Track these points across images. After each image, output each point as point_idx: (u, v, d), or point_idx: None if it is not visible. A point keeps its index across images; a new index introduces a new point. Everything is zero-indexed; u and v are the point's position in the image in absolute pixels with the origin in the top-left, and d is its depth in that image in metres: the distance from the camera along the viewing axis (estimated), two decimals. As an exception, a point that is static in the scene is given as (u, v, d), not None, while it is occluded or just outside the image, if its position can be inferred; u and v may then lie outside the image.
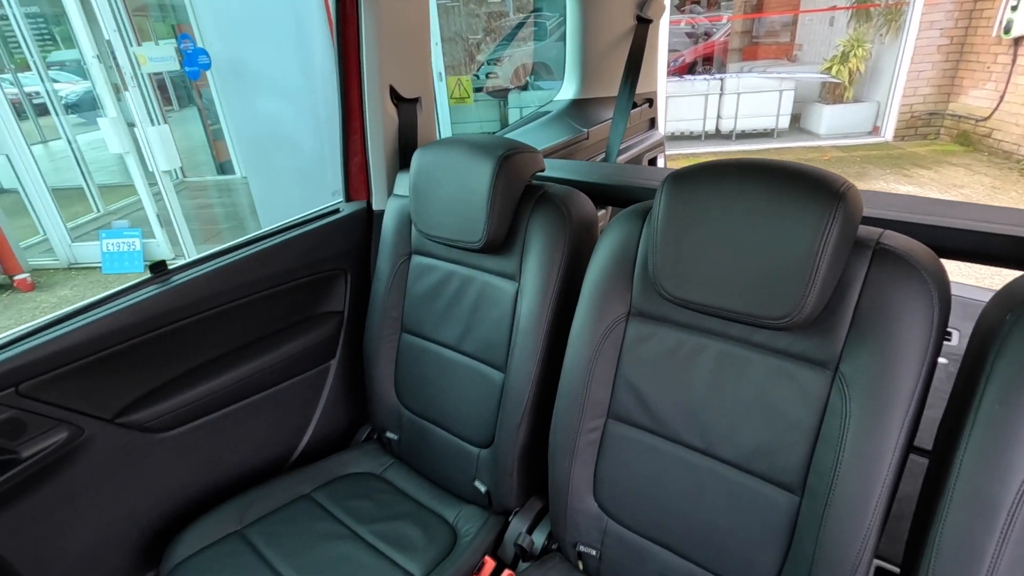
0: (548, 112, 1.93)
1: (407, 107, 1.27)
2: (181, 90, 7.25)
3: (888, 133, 6.48)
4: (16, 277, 4.35)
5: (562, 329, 1.00)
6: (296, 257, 1.25)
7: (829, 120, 6.63)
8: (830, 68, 6.51)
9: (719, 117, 6.73)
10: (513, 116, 6.34)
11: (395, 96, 1.24)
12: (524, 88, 6.81)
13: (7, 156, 4.51)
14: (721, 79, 6.62)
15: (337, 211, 1.33)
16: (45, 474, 0.96)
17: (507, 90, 6.77)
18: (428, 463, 1.25)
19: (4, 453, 0.90)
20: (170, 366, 1.10)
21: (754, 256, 0.72)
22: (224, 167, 6.82)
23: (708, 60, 7.99)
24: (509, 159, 1.02)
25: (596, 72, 1.97)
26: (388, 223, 1.25)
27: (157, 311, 1.04)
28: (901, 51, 6.14)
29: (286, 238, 1.24)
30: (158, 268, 1.07)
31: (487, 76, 6.83)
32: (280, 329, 1.28)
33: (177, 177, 6.56)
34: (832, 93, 6.79)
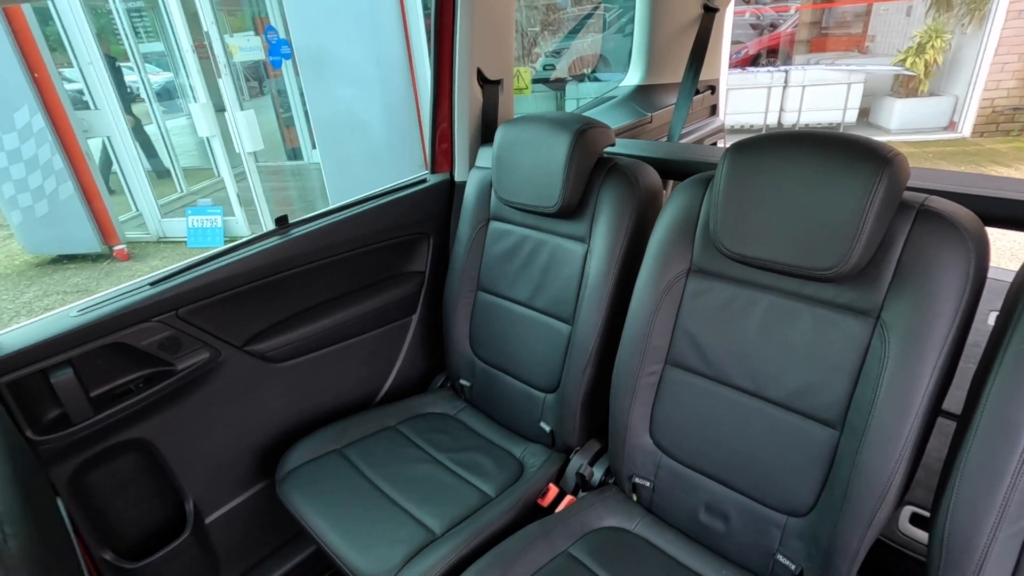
0: (613, 97, 2.04)
1: (491, 88, 1.42)
2: (251, 81, 7.70)
3: (966, 129, 6.17)
4: (115, 248, 4.81)
5: (626, 286, 1.12)
6: (387, 221, 1.42)
7: (901, 114, 6.38)
8: (904, 60, 6.25)
9: (782, 110, 6.59)
10: (570, 107, 6.42)
11: (481, 78, 1.39)
12: (581, 79, 6.87)
13: (108, 139, 4.98)
14: (786, 71, 6.47)
15: (424, 181, 1.50)
16: (192, 386, 1.17)
17: (564, 81, 6.85)
18: (497, 407, 1.40)
19: (166, 364, 1.11)
20: (286, 306, 1.30)
21: (806, 214, 0.82)
22: (294, 153, 7.23)
23: (773, 52, 7.80)
24: (585, 133, 1.15)
25: (661, 59, 2.06)
26: (469, 192, 1.40)
27: (278, 258, 1.23)
28: (984, 42, 5.83)
29: (380, 203, 1.41)
30: (281, 222, 1.26)
31: (544, 68, 6.93)
32: (372, 283, 1.45)
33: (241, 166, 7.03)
34: (905, 86, 6.52)
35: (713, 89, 2.20)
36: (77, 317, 0.99)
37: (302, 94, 6.40)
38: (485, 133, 1.46)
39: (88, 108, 4.81)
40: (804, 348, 0.89)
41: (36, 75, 4.05)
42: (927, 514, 1.10)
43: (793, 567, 0.92)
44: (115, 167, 5.14)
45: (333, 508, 1.10)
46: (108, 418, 1.04)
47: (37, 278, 4.47)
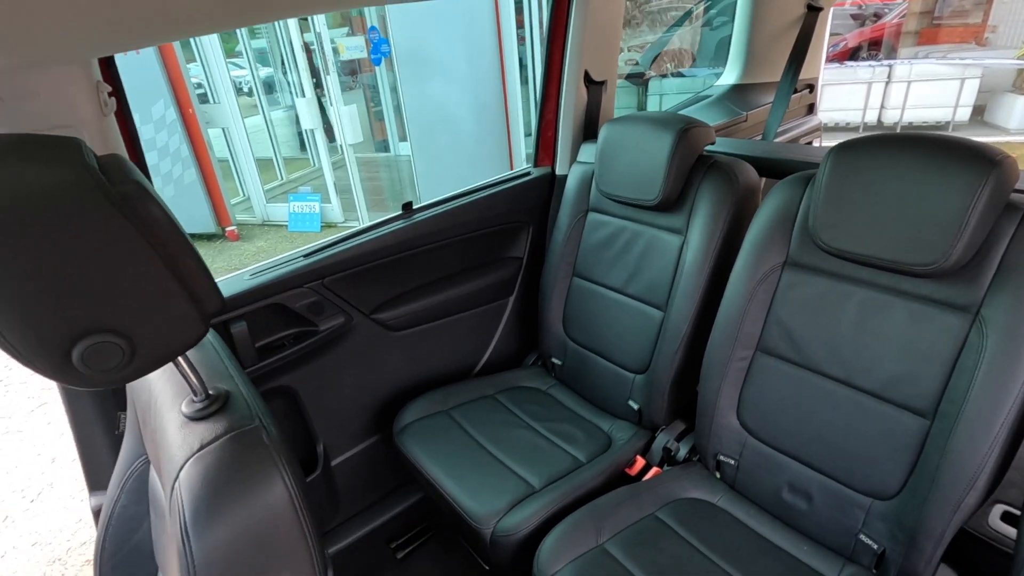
0: (709, 96, 2.08)
1: (595, 88, 1.52)
2: (343, 77, 8.17)
3: (1100, 130, 5.58)
4: (227, 229, 5.33)
5: (720, 277, 1.19)
6: (493, 209, 1.56)
7: (1023, 113, 5.85)
8: (1030, 53, 5.72)
9: (883, 107, 6.22)
10: (652, 103, 6.37)
11: (587, 79, 1.50)
12: (664, 75, 6.78)
13: (224, 129, 5.50)
14: (889, 65, 6.09)
15: (527, 174, 1.63)
16: (329, 345, 1.37)
17: (647, 77, 6.79)
18: (586, 385, 1.51)
19: (311, 324, 1.30)
20: (405, 282, 1.47)
21: (909, 212, 0.87)
22: (382, 146, 7.63)
23: (875, 44, 7.34)
24: (687, 131, 1.23)
25: (760, 59, 2.08)
26: (570, 185, 1.51)
27: (402, 238, 1.40)
28: None
29: (487, 193, 1.55)
30: (407, 208, 1.43)
31: (625, 63, 6.89)
32: (476, 266, 1.60)
33: (341, 153, 7.49)
34: (1030, 82, 5.97)
35: (811, 88, 2.19)
36: (250, 280, 1.20)
37: (393, 90, 6.75)
38: (587, 130, 1.57)
39: (209, 102, 5.35)
40: (897, 340, 0.94)
41: (170, 71, 4.56)
42: (1019, 512, 1.11)
43: (876, 547, 0.97)
44: (227, 156, 5.67)
45: (445, 458, 1.26)
46: (267, 366, 1.25)
47: (163, 253, 5.03)
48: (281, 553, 0.55)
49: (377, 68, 6.56)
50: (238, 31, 6.15)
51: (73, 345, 0.48)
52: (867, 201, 0.91)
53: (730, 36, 2.14)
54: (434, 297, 1.51)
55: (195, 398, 0.61)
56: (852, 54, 7.30)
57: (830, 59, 6.96)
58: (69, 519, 2.24)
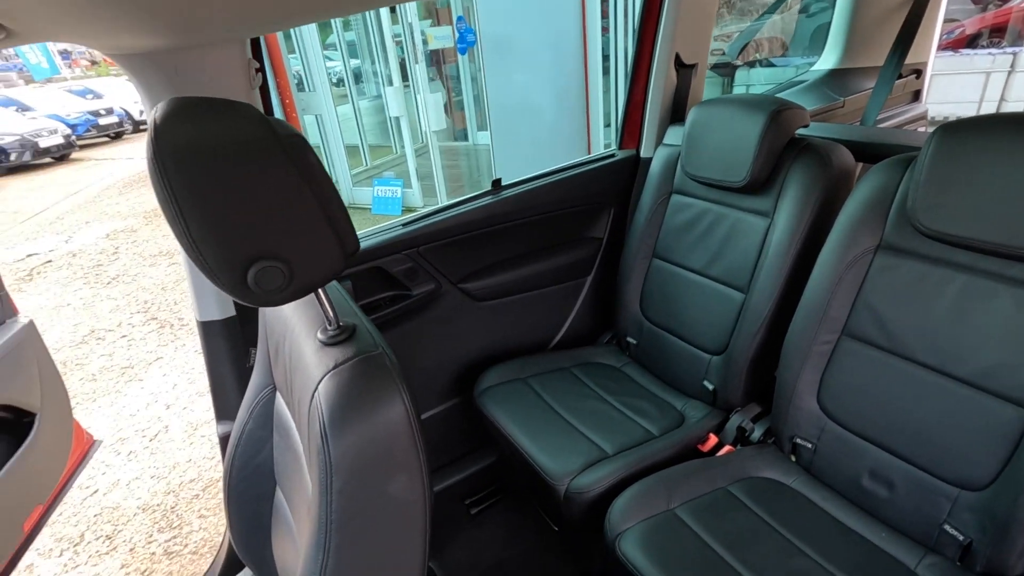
0: (803, 81, 2.01)
1: (685, 72, 1.53)
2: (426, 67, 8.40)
3: None
4: (317, 209, 5.68)
5: (806, 260, 1.18)
6: (576, 190, 1.61)
7: None
8: None
9: (1002, 100, 5.66)
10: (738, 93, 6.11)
11: (678, 62, 1.51)
12: (752, 65, 6.50)
13: (317, 116, 5.86)
14: (1014, 53, 5.53)
15: (612, 156, 1.66)
16: (419, 309, 1.48)
17: (734, 67, 6.54)
18: (661, 364, 1.53)
19: (405, 288, 1.42)
20: (491, 255, 1.56)
21: (1018, 194, 0.84)
22: (461, 135, 7.83)
23: (998, 31, 6.66)
24: (780, 113, 1.22)
25: (862, 42, 1.99)
26: (655, 167, 1.53)
27: (490, 213, 1.48)
28: None
29: (572, 174, 1.60)
30: (496, 184, 1.51)
31: (711, 53, 6.65)
32: (558, 244, 1.66)
33: (421, 141, 7.75)
34: None
35: (919, 73, 2.06)
36: None
37: (473, 80, 6.91)
38: (674, 114, 1.58)
39: (304, 90, 5.71)
40: (1000, 328, 0.91)
41: (273, 60, 4.91)
42: None
43: (961, 538, 0.95)
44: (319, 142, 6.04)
45: (523, 420, 1.34)
46: (365, 324, 1.38)
47: (260, 230, 5.45)
48: (399, 460, 0.64)
49: (459, 58, 6.74)
50: (333, 23, 6.50)
51: (249, 267, 0.58)
52: (973, 182, 0.89)
53: (829, 23, 2.06)
54: (516, 271, 1.59)
55: (329, 327, 0.71)
56: (970, 42, 6.67)
57: (943, 47, 6.40)
58: (181, 458, 2.53)
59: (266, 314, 0.91)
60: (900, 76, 1.92)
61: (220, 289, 0.59)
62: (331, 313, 0.70)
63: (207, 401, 2.91)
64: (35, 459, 1.65)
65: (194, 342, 3.51)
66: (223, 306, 1.12)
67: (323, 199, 0.61)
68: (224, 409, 1.23)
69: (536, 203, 1.55)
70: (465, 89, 7.23)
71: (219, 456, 2.58)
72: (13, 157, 9.72)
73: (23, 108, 11.58)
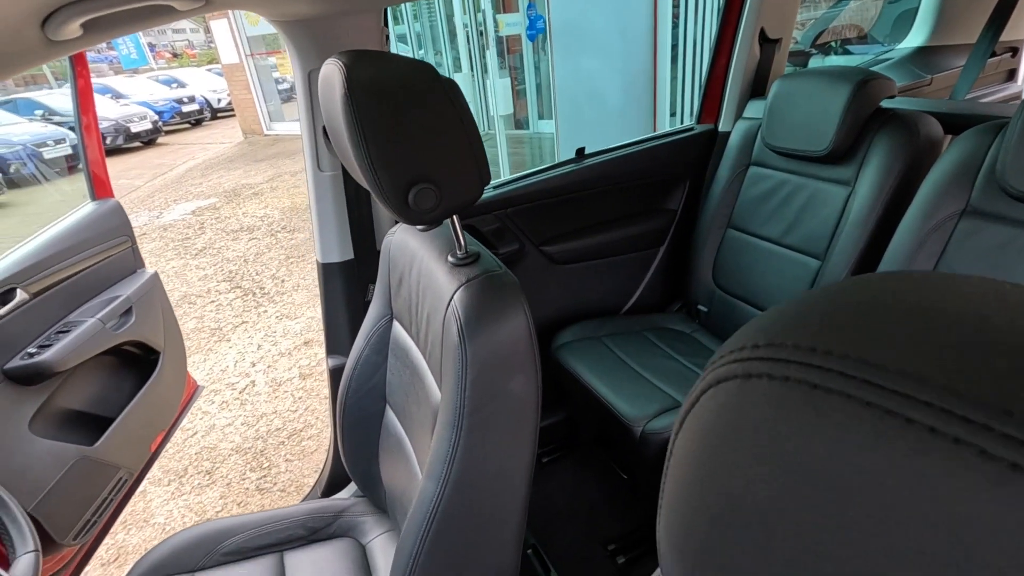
0: (888, 59, 1.99)
1: (769, 46, 1.57)
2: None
3: None
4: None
5: (886, 228, 1.22)
6: (654, 161, 1.68)
7: None
8: None
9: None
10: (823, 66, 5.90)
11: (762, 37, 1.55)
12: (827, 52, 6.26)
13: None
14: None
15: (690, 130, 1.72)
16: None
17: (807, 55, 6.31)
18: (731, 330, 1.59)
19: (492, 247, 1.53)
20: (570, 221, 1.65)
21: None
22: (522, 123, 7.93)
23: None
24: (867, 83, 1.25)
25: (954, 18, 1.95)
26: (734, 140, 1.58)
27: (572, 180, 1.58)
28: None
29: (651, 146, 1.67)
30: (579, 153, 1.60)
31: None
32: (634, 213, 1.74)
33: (484, 129, 7.89)
34: None
35: (1015, 51, 1.99)
36: None
37: (536, 67, 6.98)
38: (756, 88, 1.62)
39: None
40: None
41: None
42: None
43: None
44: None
45: (600, 371, 1.43)
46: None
47: (332, 210, 5.75)
48: (520, 362, 0.75)
49: (524, 47, 6.82)
50: (403, 15, 6.73)
51: (410, 189, 0.70)
52: None
53: (914, 9, 2.02)
54: (594, 237, 1.68)
55: (459, 251, 0.82)
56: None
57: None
58: (267, 409, 2.76)
59: (390, 251, 1.03)
60: (994, 54, 1.87)
61: (387, 208, 0.72)
62: (462, 239, 0.82)
63: (288, 361, 3.15)
64: (159, 390, 1.87)
65: (275, 309, 3.79)
66: (343, 250, 1.27)
67: (470, 135, 0.72)
68: (335, 344, 1.38)
69: (615, 173, 1.63)
70: (528, 77, 7.32)
71: (301, 409, 2.79)
72: (108, 140, 10.56)
73: (117, 96, 12.55)
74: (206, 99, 13.90)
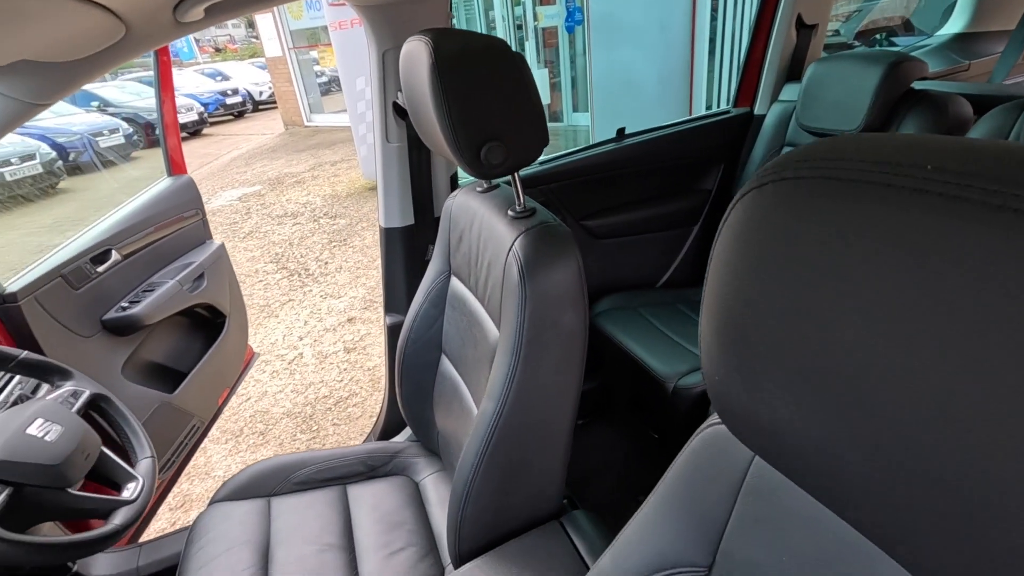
0: (927, 45, 2.03)
1: (806, 32, 1.64)
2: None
3: None
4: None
5: None
6: (690, 143, 1.76)
7: None
8: None
9: None
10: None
11: (799, 22, 1.62)
12: (871, 44, 6.14)
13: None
14: None
15: (726, 113, 1.80)
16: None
17: (850, 47, 6.21)
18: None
19: (536, 220, 1.65)
20: (609, 198, 1.75)
21: None
22: (556, 116, 7.99)
23: None
24: (899, 64, 1.32)
25: (993, 5, 1.97)
26: (769, 121, 1.66)
27: (613, 159, 1.68)
28: None
29: (687, 127, 1.75)
30: (620, 133, 1.70)
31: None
32: (669, 193, 1.83)
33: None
34: None
35: (1056, 38, 2.00)
36: None
37: (572, 60, 7.04)
38: (791, 72, 1.69)
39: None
40: None
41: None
42: None
43: None
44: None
45: (636, 335, 1.53)
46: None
47: (371, 197, 5.95)
48: (571, 300, 0.86)
49: (560, 40, 6.88)
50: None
51: (482, 146, 0.82)
52: None
53: (959, -3, 2.04)
54: (631, 214, 1.77)
55: (517, 206, 0.94)
56: None
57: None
58: (314, 379, 2.94)
59: (451, 212, 1.16)
60: (1035, 40, 1.89)
61: (460, 163, 0.84)
62: (521, 194, 0.93)
63: (333, 336, 3.33)
64: (225, 351, 2.05)
65: (319, 289, 3.98)
66: (404, 216, 1.40)
67: (534, 102, 0.84)
68: (393, 303, 1.52)
69: (654, 153, 1.72)
70: (563, 69, 7.38)
71: (346, 379, 2.95)
72: (158, 131, 11.06)
73: (155, 89, 13.09)
74: (248, 92, 14.37)
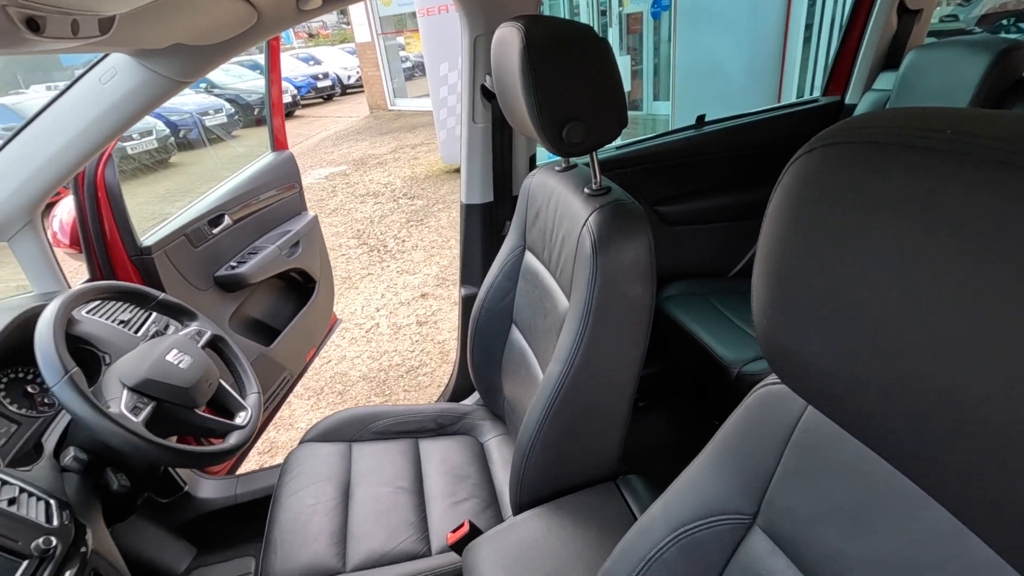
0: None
1: (908, 18, 1.56)
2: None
3: None
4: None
5: None
6: (772, 132, 1.73)
7: None
8: None
9: None
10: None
11: (901, 7, 1.55)
12: (996, 31, 5.59)
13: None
14: None
15: (814, 102, 1.75)
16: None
17: (968, 33, 5.69)
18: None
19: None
20: (684, 184, 1.76)
21: None
22: (635, 104, 7.85)
23: None
24: (1009, 52, 1.24)
25: None
26: (860, 110, 1.60)
27: (691, 145, 1.68)
28: None
29: (771, 116, 1.72)
30: (700, 120, 1.70)
31: (942, 19, 5.84)
32: (746, 182, 1.80)
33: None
34: None
35: None
36: None
37: (655, 47, 6.88)
38: (889, 60, 1.61)
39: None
40: None
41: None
42: None
43: None
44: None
45: (703, 321, 1.55)
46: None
47: (448, 181, 6.14)
48: (640, 274, 0.91)
49: (644, 26, 6.73)
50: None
51: (564, 125, 0.88)
52: None
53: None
54: (706, 202, 1.77)
55: (594, 184, 0.99)
56: None
57: None
58: (389, 348, 3.13)
59: (529, 190, 1.22)
60: None
61: (543, 140, 0.90)
62: (597, 173, 0.98)
63: (407, 309, 3.51)
64: (314, 313, 2.24)
65: (396, 265, 4.19)
66: (484, 193, 1.48)
67: (616, 86, 0.88)
68: (469, 275, 1.61)
69: (733, 141, 1.71)
70: (646, 57, 7.22)
71: (417, 350, 3.11)
72: (256, 112, 11.85)
73: (264, 72, 13.99)
74: (337, 76, 15.06)
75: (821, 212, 0.32)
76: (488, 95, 1.34)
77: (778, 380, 0.56)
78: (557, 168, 1.12)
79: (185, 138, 9.74)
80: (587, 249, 0.91)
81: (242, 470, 1.91)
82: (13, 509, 0.75)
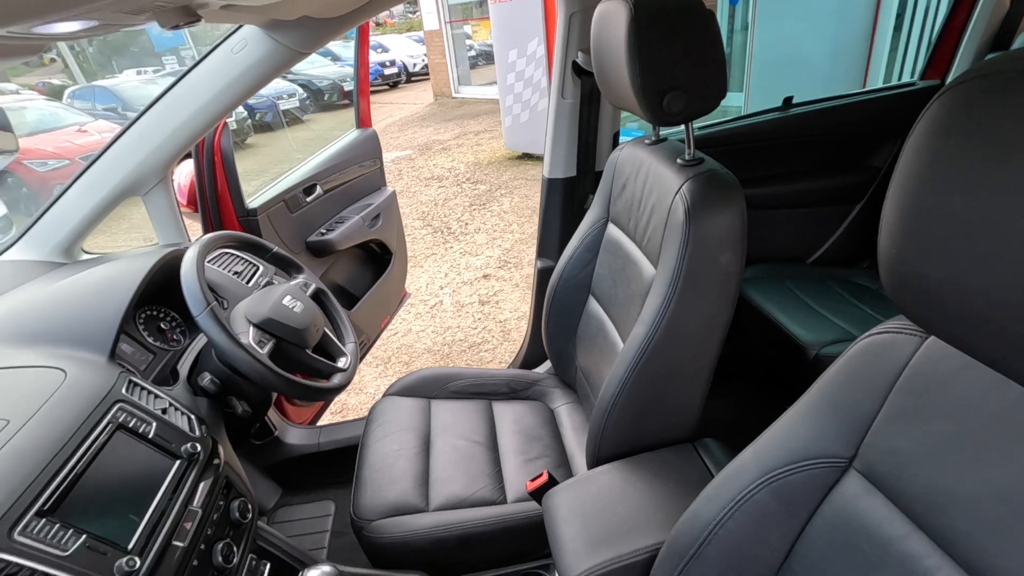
0: None
1: (1024, -5, 1.48)
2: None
3: None
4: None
5: None
6: (864, 115, 1.68)
7: None
8: None
9: None
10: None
11: (1016, -15, 1.47)
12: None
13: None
14: None
15: (911, 85, 1.68)
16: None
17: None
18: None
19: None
20: (767, 167, 1.74)
21: None
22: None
23: None
24: None
25: None
26: (962, 95, 1.53)
27: (776, 127, 1.66)
28: None
29: (863, 99, 1.67)
30: (787, 102, 1.67)
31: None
32: (833, 166, 1.76)
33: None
34: None
35: None
36: None
37: (729, 36, 6.66)
38: (997, 42, 1.54)
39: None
40: None
41: (548, 13, 5.44)
42: None
43: None
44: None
45: (781, 303, 1.54)
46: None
47: (510, 167, 6.21)
48: (731, 242, 0.93)
49: (719, 14, 6.52)
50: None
51: (664, 94, 0.91)
52: None
53: None
54: (789, 186, 1.74)
55: (687, 154, 1.02)
56: None
57: None
58: (452, 324, 3.23)
59: (616, 163, 1.26)
60: None
61: (643, 109, 0.93)
62: (693, 143, 1.01)
63: (470, 289, 3.61)
64: (390, 283, 2.36)
65: (460, 246, 4.30)
66: (567, 168, 1.53)
67: (718, 57, 0.91)
68: (546, 249, 1.66)
69: (820, 124, 1.67)
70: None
71: (479, 328, 3.19)
72: (326, 97, 12.32)
73: (335, 59, 14.48)
74: (403, 63, 15.39)
75: (973, 142, 0.34)
76: (578, 71, 1.38)
77: (880, 331, 0.58)
78: (647, 141, 1.15)
79: (261, 121, 10.23)
80: (679, 217, 0.94)
81: (322, 422, 2.05)
82: (167, 417, 0.86)
